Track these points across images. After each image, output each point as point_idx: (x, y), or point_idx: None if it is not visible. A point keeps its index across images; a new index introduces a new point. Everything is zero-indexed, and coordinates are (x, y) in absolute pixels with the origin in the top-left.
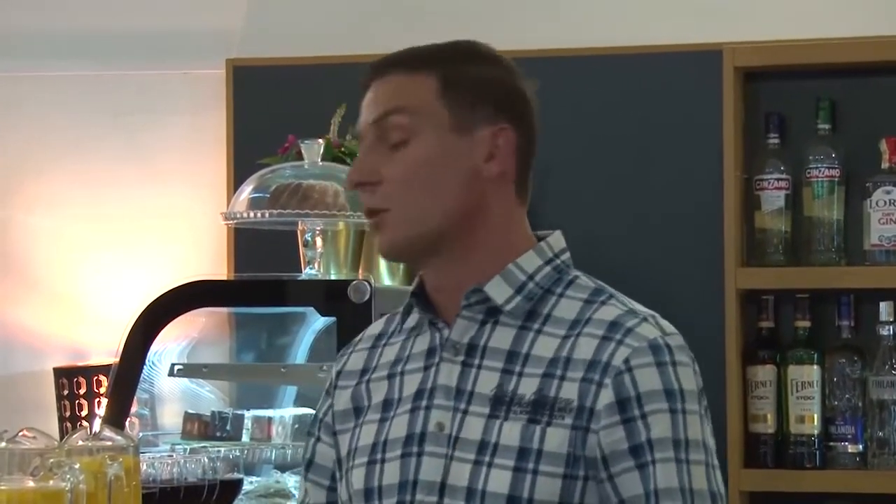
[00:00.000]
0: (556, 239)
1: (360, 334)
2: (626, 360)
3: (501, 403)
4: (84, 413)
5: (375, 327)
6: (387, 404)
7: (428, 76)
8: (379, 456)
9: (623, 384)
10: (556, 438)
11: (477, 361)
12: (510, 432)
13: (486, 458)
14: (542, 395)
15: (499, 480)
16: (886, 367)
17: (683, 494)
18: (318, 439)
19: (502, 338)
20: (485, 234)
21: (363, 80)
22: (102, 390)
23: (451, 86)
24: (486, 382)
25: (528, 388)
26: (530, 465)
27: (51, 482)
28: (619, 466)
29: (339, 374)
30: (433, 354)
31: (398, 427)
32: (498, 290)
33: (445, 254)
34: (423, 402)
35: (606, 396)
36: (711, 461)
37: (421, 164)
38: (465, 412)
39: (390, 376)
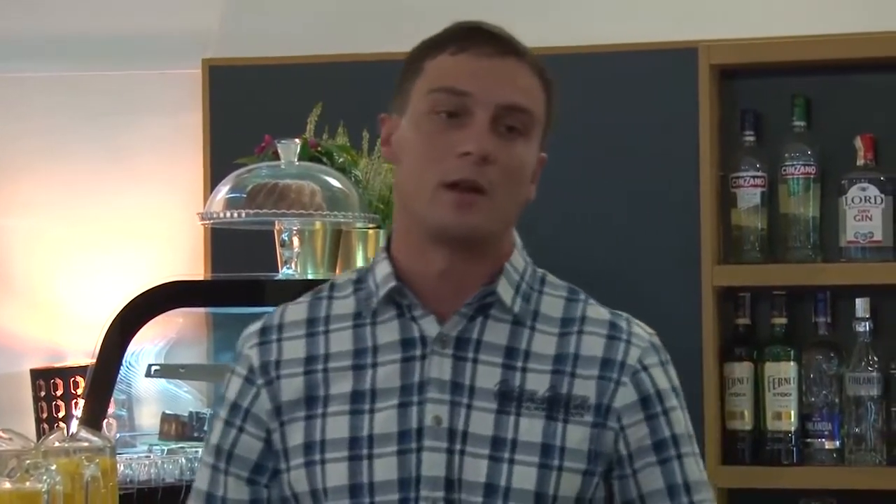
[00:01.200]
0: (517, 236)
1: (276, 319)
2: (640, 360)
3: (510, 399)
4: (61, 414)
5: (297, 313)
6: (357, 396)
7: (542, 90)
8: (364, 451)
9: (643, 382)
10: (577, 435)
11: (471, 355)
12: (529, 428)
13: (506, 455)
14: (555, 392)
15: (524, 476)
16: (863, 363)
17: (707, 486)
18: (241, 430)
19: (496, 333)
20: (500, 239)
21: (479, 40)
22: (80, 391)
23: (550, 111)
24: (488, 377)
25: (538, 384)
26: (555, 462)
27: (27, 483)
28: (641, 462)
29: (277, 363)
30: (412, 346)
31: (385, 422)
32: (505, 292)
33: (486, 250)
34: (414, 397)
35: (627, 395)
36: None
37: (525, 164)
38: (470, 406)
39: (356, 367)
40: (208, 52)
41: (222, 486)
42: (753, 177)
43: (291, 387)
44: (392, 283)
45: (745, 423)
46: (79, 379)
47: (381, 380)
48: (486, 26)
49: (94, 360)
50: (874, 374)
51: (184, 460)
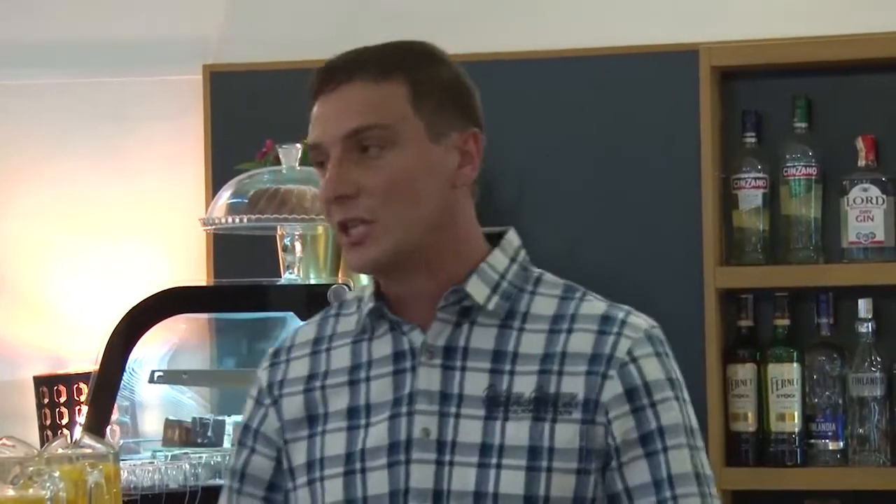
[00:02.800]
0: (512, 236)
1: (289, 340)
2: (630, 351)
3: (497, 404)
4: (65, 421)
5: (308, 332)
6: (353, 412)
7: (398, 84)
8: (357, 466)
9: (630, 374)
10: (567, 434)
11: (459, 363)
12: (516, 432)
13: (493, 461)
14: (542, 392)
15: (512, 481)
16: (866, 364)
17: (698, 479)
18: (253, 450)
19: (483, 338)
20: (455, 240)
21: (318, 85)
22: (83, 398)
23: (422, 93)
24: (476, 384)
25: (524, 386)
26: (543, 464)
27: (31, 490)
28: (627, 455)
29: (281, 382)
30: (402, 359)
31: (377, 436)
32: (477, 290)
33: (419, 265)
34: (403, 409)
35: (613, 388)
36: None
37: (402, 173)
38: (458, 416)
39: (352, 383)
40: (209, 57)
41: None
42: (755, 178)
43: (293, 405)
44: (371, 304)
45: (749, 424)
46: (82, 385)
47: (375, 394)
48: (332, 59)
49: (97, 367)
50: (877, 374)
51: (187, 466)
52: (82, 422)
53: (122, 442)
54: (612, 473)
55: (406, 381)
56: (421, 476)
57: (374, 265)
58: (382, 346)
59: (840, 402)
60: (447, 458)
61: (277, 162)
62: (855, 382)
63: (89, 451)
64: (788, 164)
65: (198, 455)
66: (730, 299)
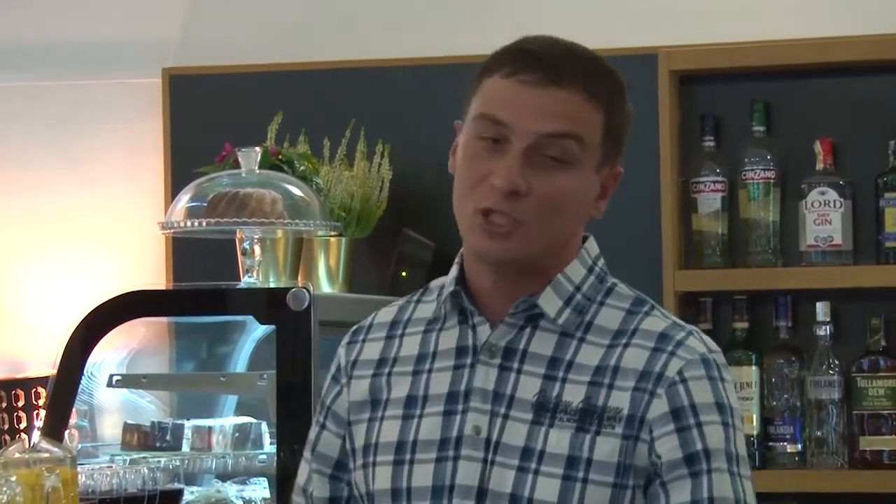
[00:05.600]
0: (592, 244)
1: (370, 319)
2: (680, 372)
3: (545, 410)
4: (23, 425)
5: (387, 314)
6: (410, 401)
7: (598, 111)
8: (407, 456)
9: (677, 394)
10: (607, 447)
11: (516, 365)
12: (558, 440)
13: (532, 465)
14: (589, 404)
15: (547, 488)
16: (824, 366)
17: None
18: (324, 427)
19: (543, 343)
20: (558, 254)
21: (522, 68)
22: (41, 402)
23: (611, 128)
24: (528, 388)
25: (574, 395)
26: (580, 474)
27: None
28: (672, 474)
29: (353, 363)
30: (464, 354)
31: (429, 428)
32: (550, 303)
33: (525, 268)
34: (459, 406)
35: (660, 406)
36: (751, 478)
37: (569, 194)
38: (507, 417)
39: (415, 373)
40: (168, 60)
41: (310, 480)
42: (714, 182)
43: (360, 388)
44: (452, 288)
45: None
46: (40, 390)
47: (434, 385)
48: (541, 47)
49: (56, 371)
50: (835, 377)
51: (146, 470)
52: (40, 426)
53: (80, 446)
54: (655, 490)
55: (464, 377)
56: (467, 473)
57: (507, 258)
58: (448, 339)
59: (798, 404)
60: (491, 457)
61: (237, 165)
62: (813, 385)
63: (46, 455)
64: (747, 168)
65: (157, 459)
66: (689, 302)
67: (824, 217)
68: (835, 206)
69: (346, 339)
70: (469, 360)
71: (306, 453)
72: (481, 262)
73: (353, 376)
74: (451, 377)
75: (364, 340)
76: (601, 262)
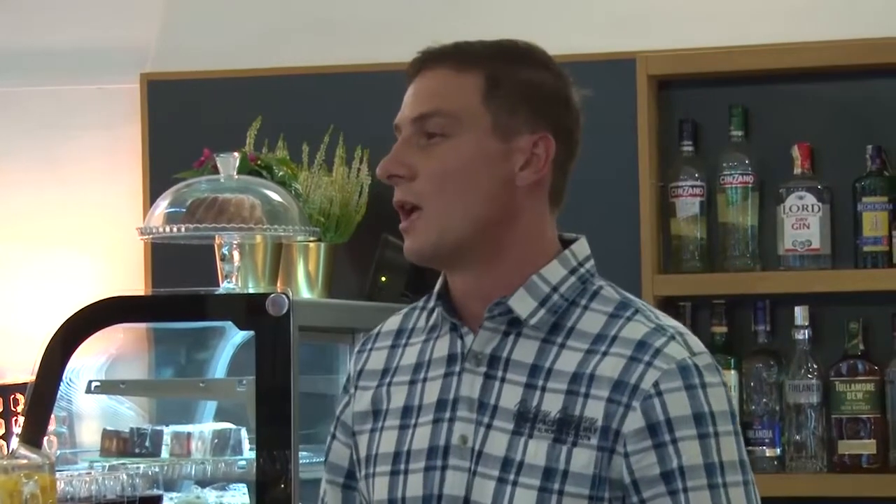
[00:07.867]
0: (581, 246)
1: (378, 327)
2: (656, 384)
3: (525, 420)
4: (1, 432)
5: (394, 322)
6: (406, 411)
7: (475, 76)
8: (402, 467)
9: (653, 408)
10: (583, 459)
11: (500, 374)
12: (536, 451)
13: (511, 477)
14: (566, 413)
15: (524, 500)
16: (802, 371)
17: None
18: (334, 437)
19: (525, 351)
20: (511, 243)
21: (409, 70)
22: (19, 409)
23: (496, 88)
24: (510, 396)
25: (552, 404)
26: (556, 486)
27: None
28: (650, 492)
29: (360, 373)
30: (453, 362)
31: (420, 438)
32: (521, 304)
33: (471, 261)
34: (446, 414)
35: (635, 420)
36: (751, 479)
37: (457, 164)
38: (489, 427)
39: (412, 382)
40: (146, 66)
41: (325, 491)
42: (692, 186)
43: (364, 398)
44: (433, 302)
45: None
46: (18, 396)
47: (427, 395)
48: (428, 48)
49: (34, 377)
50: (814, 381)
51: (125, 476)
52: (19, 432)
53: (59, 453)
54: None
55: (452, 385)
56: (454, 483)
57: (419, 254)
58: (441, 347)
59: (777, 408)
60: (475, 467)
61: (215, 171)
62: (792, 389)
63: (25, 461)
64: (725, 173)
65: (135, 465)
66: (668, 307)
67: (802, 221)
68: (813, 211)
69: (356, 348)
70: (457, 368)
71: (324, 467)
72: (423, 266)
73: (359, 386)
74: (441, 385)
75: (371, 350)
76: (589, 264)
